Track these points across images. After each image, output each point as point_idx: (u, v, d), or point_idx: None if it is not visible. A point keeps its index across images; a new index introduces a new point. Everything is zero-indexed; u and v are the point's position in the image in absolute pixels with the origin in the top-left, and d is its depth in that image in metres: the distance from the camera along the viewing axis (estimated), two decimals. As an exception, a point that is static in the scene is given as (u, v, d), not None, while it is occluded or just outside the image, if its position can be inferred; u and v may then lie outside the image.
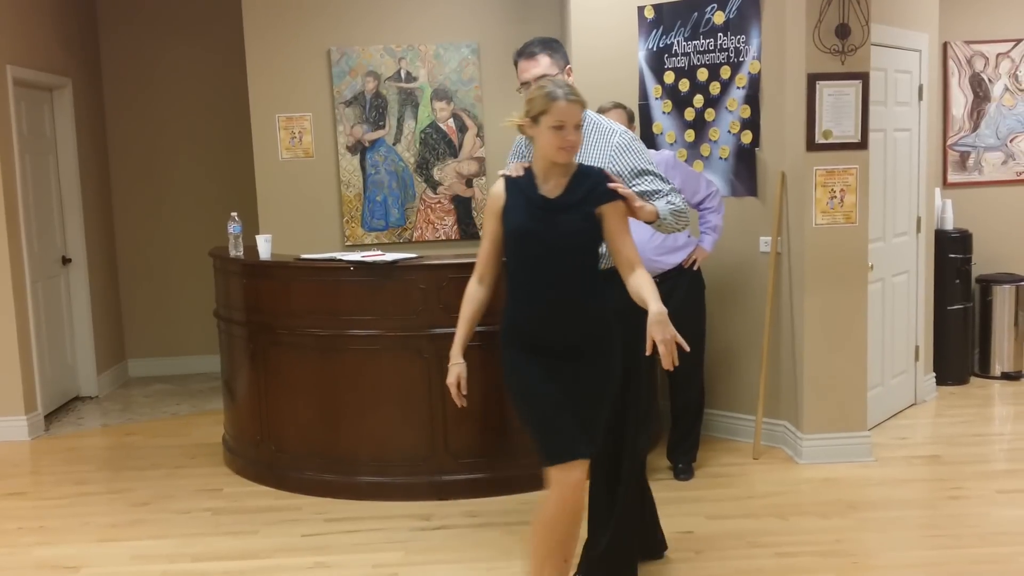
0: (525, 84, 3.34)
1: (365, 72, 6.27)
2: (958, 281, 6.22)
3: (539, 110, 2.92)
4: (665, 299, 4.41)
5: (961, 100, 6.41)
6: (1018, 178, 6.48)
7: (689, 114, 5.13)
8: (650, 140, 5.22)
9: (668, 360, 2.77)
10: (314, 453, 4.62)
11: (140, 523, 4.35)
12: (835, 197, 4.69)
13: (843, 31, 4.55)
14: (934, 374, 6.08)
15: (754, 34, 4.87)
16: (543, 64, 3.35)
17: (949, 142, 6.43)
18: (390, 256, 4.49)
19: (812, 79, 4.59)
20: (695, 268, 4.60)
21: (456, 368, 3.10)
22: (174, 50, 7.05)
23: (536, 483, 4.47)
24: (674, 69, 5.14)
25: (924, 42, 5.60)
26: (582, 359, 3.01)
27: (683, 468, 4.67)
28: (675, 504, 4.29)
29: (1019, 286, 6.32)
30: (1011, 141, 6.45)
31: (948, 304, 6.19)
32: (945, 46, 6.31)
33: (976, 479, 4.56)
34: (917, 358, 5.82)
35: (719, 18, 4.97)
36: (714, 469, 4.77)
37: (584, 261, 3.03)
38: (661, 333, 2.78)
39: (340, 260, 4.50)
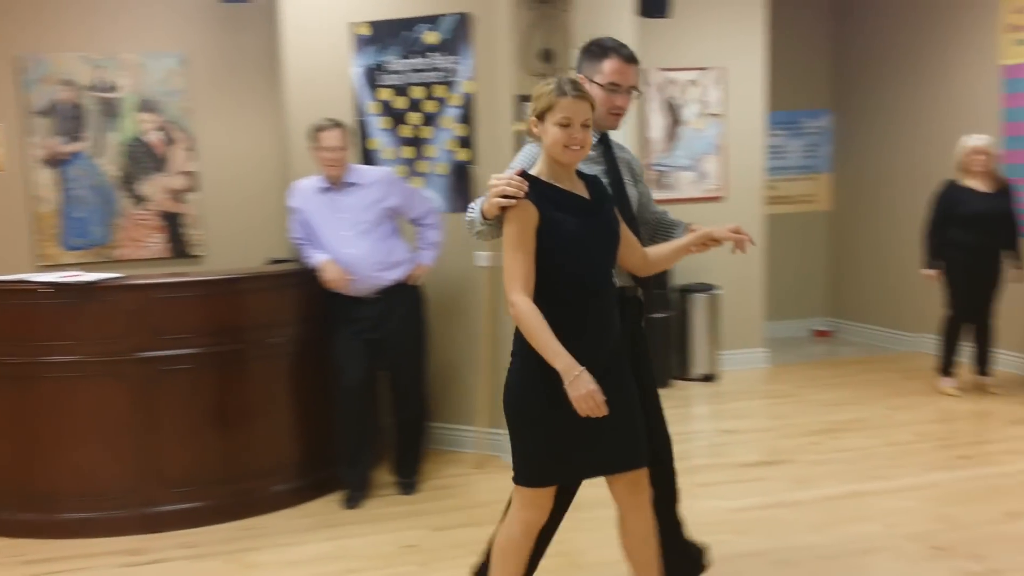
0: (614, 85, 3.05)
1: (59, 80, 5.83)
2: (659, 291, 6.69)
3: (545, 107, 2.70)
4: (386, 316, 4.51)
5: (658, 123, 6.92)
6: (707, 195, 7.07)
7: (406, 131, 5.18)
8: (368, 156, 5.22)
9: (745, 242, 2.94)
10: (9, 491, 4.23)
11: None
12: (546, 212, 4.89)
13: (548, 55, 4.77)
14: (641, 378, 6.47)
15: (466, 55, 5.00)
16: (637, 74, 3.10)
17: (648, 162, 6.91)
18: (91, 276, 4.19)
19: (521, 101, 4.78)
20: (415, 283, 4.64)
21: (586, 375, 2.65)
22: None
23: (265, 504, 4.40)
24: (390, 86, 5.18)
25: (623, 68, 5.98)
26: (612, 376, 2.79)
27: (408, 483, 4.69)
28: (401, 519, 4.30)
29: (713, 295, 6.89)
30: (701, 161, 7.03)
31: (650, 312, 6.63)
32: (642, 72, 6.77)
33: (679, 474, 4.89)
34: (625, 364, 6.18)
35: (432, 38, 5.06)
36: (439, 481, 4.83)
37: (612, 267, 2.87)
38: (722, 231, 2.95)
39: (32, 281, 4.15)
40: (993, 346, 6.32)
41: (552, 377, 2.67)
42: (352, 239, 4.43)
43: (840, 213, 8.45)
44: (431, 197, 4.94)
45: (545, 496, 2.86)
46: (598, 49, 3.07)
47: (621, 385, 2.83)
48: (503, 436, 5.11)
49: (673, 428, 5.66)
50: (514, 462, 2.85)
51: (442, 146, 5.12)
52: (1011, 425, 5.60)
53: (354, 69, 5.23)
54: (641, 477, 2.93)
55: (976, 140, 6.05)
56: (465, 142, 5.07)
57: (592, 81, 3.04)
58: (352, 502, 4.49)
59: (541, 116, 2.71)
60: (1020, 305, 6.51)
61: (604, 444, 2.83)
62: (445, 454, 5.23)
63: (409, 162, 5.21)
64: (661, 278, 6.69)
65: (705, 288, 6.88)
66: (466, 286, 5.16)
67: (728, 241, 2.96)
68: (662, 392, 6.69)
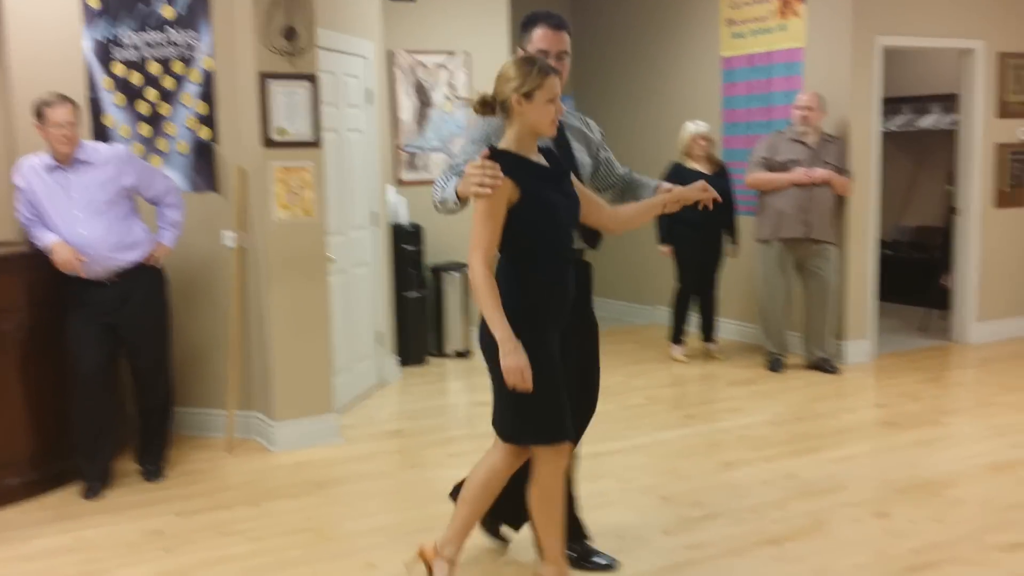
0: (543, 52, 3.21)
1: None
2: (413, 270, 6.80)
3: (535, 85, 2.88)
4: (124, 299, 4.35)
5: (408, 105, 7.01)
6: (459, 176, 7.23)
7: (143, 108, 4.99)
8: (102, 134, 4.99)
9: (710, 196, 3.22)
10: None
11: None
12: (294, 193, 4.88)
13: (290, 33, 4.75)
14: (397, 356, 6.59)
15: (205, 31, 4.88)
16: (566, 41, 3.28)
17: (399, 143, 7.00)
18: None
19: (263, 78, 4.73)
20: (156, 265, 4.50)
21: (521, 349, 2.86)
22: None
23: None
24: (124, 61, 4.97)
25: (370, 49, 6.04)
26: (578, 335, 3.16)
27: (153, 470, 4.55)
28: (145, 506, 4.19)
29: (466, 273, 7.08)
30: (452, 143, 7.19)
31: (406, 291, 6.74)
32: (390, 54, 6.85)
33: (432, 447, 5.04)
34: (380, 343, 6.26)
35: (168, 12, 4.90)
36: (186, 467, 4.72)
37: (575, 228, 3.11)
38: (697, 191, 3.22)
39: None
40: (717, 315, 6.89)
41: (548, 340, 2.97)
42: (85, 219, 4.23)
43: (585, 194, 8.86)
44: (171, 176, 4.79)
45: (561, 448, 3.05)
46: (528, 21, 3.31)
47: (577, 349, 3.19)
48: (256, 417, 5.08)
49: (428, 403, 5.88)
50: (524, 428, 3.03)
51: (182, 124, 4.98)
52: (731, 386, 6.15)
53: (85, 43, 4.98)
54: (566, 447, 3.11)
55: (698, 126, 6.55)
56: (206, 120, 4.95)
57: (525, 51, 3.25)
58: (92, 493, 4.31)
59: (528, 94, 2.89)
60: (738, 278, 7.13)
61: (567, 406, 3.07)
62: (194, 439, 5.11)
63: (147, 140, 5.02)
64: (416, 257, 6.80)
65: (458, 267, 7.06)
66: (212, 267, 5.06)
67: (697, 199, 3.23)
68: (418, 369, 6.87)
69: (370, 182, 6.11)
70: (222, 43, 4.88)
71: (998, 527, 3.80)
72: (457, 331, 7.09)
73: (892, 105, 8.52)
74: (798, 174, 6.17)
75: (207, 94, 4.93)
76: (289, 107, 4.82)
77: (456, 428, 5.43)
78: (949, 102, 8.02)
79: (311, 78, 4.86)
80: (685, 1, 7.64)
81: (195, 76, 4.93)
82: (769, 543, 3.66)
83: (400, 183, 6.99)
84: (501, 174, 2.85)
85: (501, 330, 2.85)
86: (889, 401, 5.71)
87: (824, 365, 6.40)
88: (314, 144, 4.92)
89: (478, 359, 7.03)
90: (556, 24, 3.27)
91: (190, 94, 4.95)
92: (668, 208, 3.25)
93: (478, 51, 7.18)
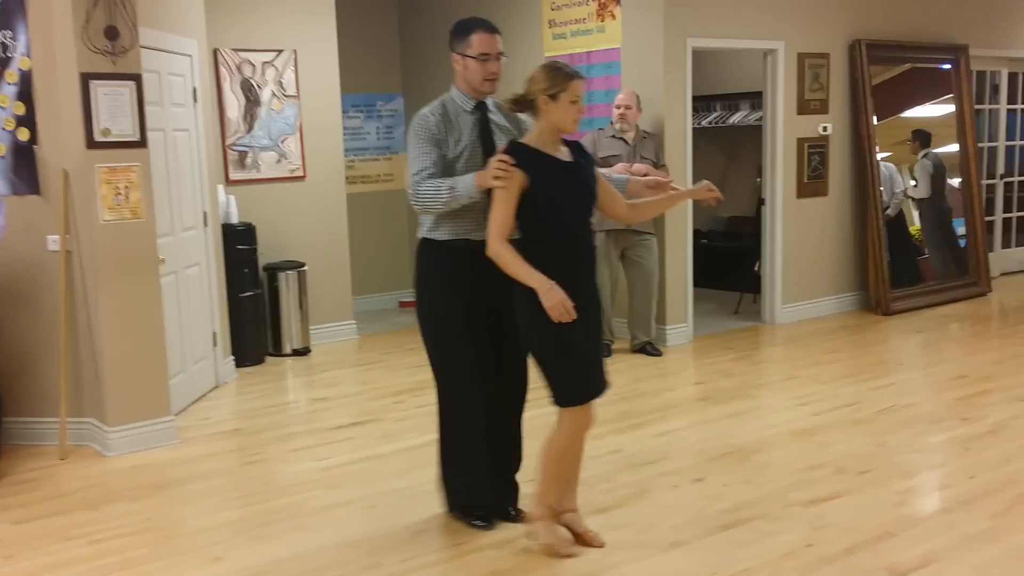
0: (484, 55, 3.55)
1: None
2: (247, 270, 6.78)
3: (559, 87, 3.29)
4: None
5: (235, 103, 6.97)
6: (291, 175, 7.26)
7: (-45, 110, 4.83)
8: (-89, 137, 4.79)
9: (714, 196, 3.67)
10: None
11: None
12: (120, 194, 4.82)
13: (112, 32, 4.69)
14: (233, 357, 6.56)
15: (21, 30, 4.76)
16: (500, 42, 3.60)
17: (228, 142, 6.95)
18: None
19: (85, 78, 4.65)
20: (-24, 271, 4.38)
21: (558, 288, 3.25)
22: None
23: None
24: (-67, 61, 4.79)
25: (194, 48, 5.99)
26: (593, 306, 3.43)
27: (-18, 482, 4.44)
28: (-25, 519, 4.08)
29: (300, 271, 7.11)
30: (282, 142, 7.20)
31: (240, 292, 6.71)
32: (215, 52, 6.80)
33: (273, 443, 5.09)
34: (215, 343, 6.23)
35: (-19, 10, 4.76)
36: (18, 476, 4.60)
37: (591, 217, 3.47)
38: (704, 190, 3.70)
39: None
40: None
41: (546, 319, 3.27)
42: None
43: (417, 191, 9.01)
44: (-10, 180, 4.65)
45: (584, 410, 3.45)
46: (463, 27, 3.60)
47: (595, 323, 3.48)
48: (89, 423, 5.00)
49: (267, 401, 5.91)
50: (555, 390, 3.41)
51: (-1, 126, 4.85)
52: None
53: None
54: (590, 408, 3.50)
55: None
56: (25, 121, 4.83)
57: (465, 55, 3.56)
58: (-84, 508, 4.18)
59: (554, 95, 3.30)
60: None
61: (598, 367, 3.48)
62: (24, 448, 4.97)
63: (-39, 143, 4.86)
64: (251, 257, 6.78)
65: (293, 266, 7.08)
66: (37, 272, 4.93)
67: (702, 198, 3.70)
68: (256, 369, 6.85)
69: (199, 181, 6.06)
70: (40, 42, 4.77)
71: (799, 485, 4.20)
72: (294, 329, 7.11)
73: (705, 102, 9.07)
74: (619, 169, 6.52)
75: (25, 94, 4.81)
76: (113, 107, 4.75)
77: (296, 424, 5.49)
78: (756, 99, 8.61)
79: (135, 78, 4.82)
80: (509, 3, 7.90)
81: (11, 76, 4.80)
82: (598, 512, 3.93)
83: (229, 182, 6.94)
84: (513, 166, 3.28)
85: (534, 279, 3.27)
86: (706, 378, 6.14)
87: (648, 348, 6.78)
88: (140, 144, 4.87)
89: (317, 356, 7.10)
90: (492, 28, 3.59)
91: (7, 95, 4.81)
92: (680, 203, 3.88)
93: (305, 48, 7.22)
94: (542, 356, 3.41)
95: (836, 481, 4.24)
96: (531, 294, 3.30)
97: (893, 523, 3.78)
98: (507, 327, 3.54)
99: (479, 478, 3.81)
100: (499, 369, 3.69)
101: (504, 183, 3.28)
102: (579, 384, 3.43)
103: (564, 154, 3.43)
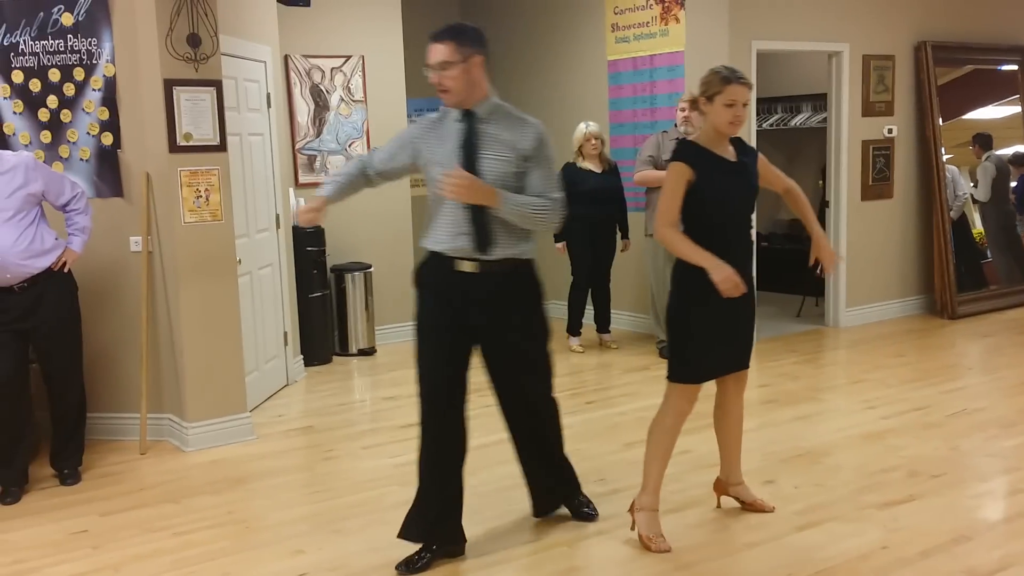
0: (427, 67, 3.44)
1: None
2: (315, 271, 6.91)
3: (715, 90, 3.44)
4: (35, 305, 4.38)
5: (304, 108, 7.12)
6: (357, 178, 7.36)
7: (43, 115, 5.00)
8: (2, 141, 4.97)
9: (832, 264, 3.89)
10: None
11: None
12: (201, 196, 4.96)
13: (194, 40, 4.83)
14: (302, 356, 6.69)
15: (106, 37, 4.92)
16: (443, 52, 3.41)
17: (297, 146, 7.10)
18: None
19: (168, 84, 4.80)
20: (65, 271, 4.53)
21: (727, 265, 3.41)
22: None
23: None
24: (23, 68, 4.96)
25: (268, 54, 6.14)
26: (746, 295, 3.53)
27: (69, 473, 4.59)
28: (66, 508, 4.24)
29: (367, 273, 7.23)
30: (350, 145, 7.33)
31: (309, 292, 6.85)
32: (286, 59, 6.94)
33: (344, 441, 5.20)
34: (286, 343, 6.37)
35: (67, 19, 4.92)
36: (102, 470, 4.76)
37: (751, 212, 3.72)
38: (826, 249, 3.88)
39: None
40: (610, 308, 7.22)
41: (701, 293, 3.46)
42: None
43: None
44: (77, 182, 4.80)
45: (694, 392, 3.64)
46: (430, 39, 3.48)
47: (747, 303, 3.64)
48: (168, 419, 5.14)
49: (336, 400, 6.02)
50: (670, 365, 3.63)
51: (84, 130, 5.00)
52: (626, 373, 6.48)
53: (-20, 50, 4.96)
54: (746, 374, 3.84)
55: (590, 127, 6.86)
56: (108, 126, 4.99)
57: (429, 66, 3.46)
58: (10, 498, 4.33)
59: (711, 97, 3.46)
60: (629, 271, 7.48)
61: (737, 345, 3.71)
62: (107, 443, 5.13)
63: (48, 147, 5.03)
64: (320, 258, 6.92)
65: (360, 267, 7.20)
66: (120, 271, 5.09)
67: (822, 258, 3.93)
68: (324, 368, 6.97)
69: (271, 184, 6.21)
70: (124, 50, 4.93)
71: (872, 488, 4.19)
72: (360, 330, 7.23)
73: (767, 104, 9.04)
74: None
75: (109, 100, 4.97)
76: (194, 112, 4.90)
77: (365, 423, 5.59)
78: (817, 101, 8.56)
79: (216, 84, 4.95)
80: (572, 8, 7.95)
81: (96, 83, 4.96)
82: (671, 512, 3.96)
83: (299, 185, 7.08)
84: (678, 161, 3.51)
85: (703, 258, 3.44)
86: (771, 381, 6.13)
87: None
88: (220, 148, 5.01)
89: (383, 356, 7.20)
90: (432, 36, 3.45)
91: (92, 100, 4.98)
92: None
93: (373, 54, 7.34)
94: (673, 329, 3.65)
95: (909, 484, 4.23)
96: (686, 271, 3.52)
97: (968, 527, 3.77)
98: (490, 346, 3.61)
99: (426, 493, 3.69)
100: (494, 380, 3.78)
101: (450, 194, 3.32)
102: (689, 365, 3.61)
103: (730, 153, 3.60)
